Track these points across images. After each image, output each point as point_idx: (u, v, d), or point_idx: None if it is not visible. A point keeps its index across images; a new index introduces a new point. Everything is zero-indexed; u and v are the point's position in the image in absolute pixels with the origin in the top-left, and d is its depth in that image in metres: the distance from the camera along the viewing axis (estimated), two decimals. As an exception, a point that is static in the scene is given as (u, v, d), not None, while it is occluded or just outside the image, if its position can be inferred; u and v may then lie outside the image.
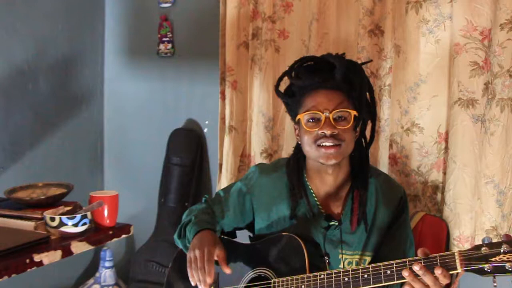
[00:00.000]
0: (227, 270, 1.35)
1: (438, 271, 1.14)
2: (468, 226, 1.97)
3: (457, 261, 1.13)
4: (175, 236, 1.57)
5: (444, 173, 2.05)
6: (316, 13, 2.21)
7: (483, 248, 1.12)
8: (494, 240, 1.13)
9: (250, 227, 1.60)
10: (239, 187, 1.60)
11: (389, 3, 2.07)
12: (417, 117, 2.08)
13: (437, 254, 1.17)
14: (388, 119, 2.11)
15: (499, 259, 1.09)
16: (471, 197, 1.96)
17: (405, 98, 2.10)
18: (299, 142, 1.50)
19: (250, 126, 2.44)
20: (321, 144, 1.39)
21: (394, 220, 1.48)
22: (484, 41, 1.92)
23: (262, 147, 2.39)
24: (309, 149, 1.43)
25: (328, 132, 1.37)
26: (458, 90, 1.96)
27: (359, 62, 1.70)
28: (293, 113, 1.51)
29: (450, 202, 1.99)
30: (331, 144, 1.38)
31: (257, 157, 2.40)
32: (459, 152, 1.97)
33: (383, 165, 2.14)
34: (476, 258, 1.12)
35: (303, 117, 1.43)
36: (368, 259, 1.45)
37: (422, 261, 1.17)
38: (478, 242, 1.94)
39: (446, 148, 2.04)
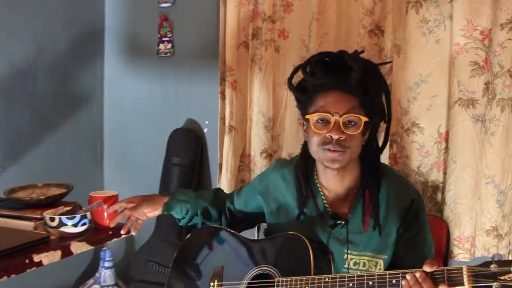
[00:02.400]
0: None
1: None
2: (468, 226, 1.96)
3: (465, 277, 1.10)
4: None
5: (445, 173, 2.05)
6: (316, 13, 2.21)
7: (492, 265, 1.08)
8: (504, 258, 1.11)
9: (260, 217, 1.64)
10: (256, 177, 1.70)
11: (389, 3, 2.07)
12: (417, 117, 2.08)
13: (444, 268, 1.14)
14: (388, 119, 2.10)
15: (508, 278, 1.06)
16: (471, 197, 1.96)
17: (405, 98, 2.10)
18: (306, 140, 1.49)
19: (250, 126, 2.44)
20: (327, 148, 1.38)
21: (408, 226, 1.43)
22: (485, 41, 1.92)
23: (262, 147, 2.39)
24: (315, 150, 1.42)
25: (335, 136, 1.36)
26: (458, 90, 1.96)
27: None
28: (303, 109, 1.48)
29: (450, 202, 1.99)
30: (336, 149, 1.37)
31: (257, 157, 2.40)
32: (459, 152, 1.97)
33: (383, 165, 2.14)
34: (484, 275, 1.08)
35: (312, 117, 1.40)
36: (380, 261, 1.42)
37: (430, 274, 1.15)
38: (478, 242, 1.96)
39: (446, 148, 2.04)
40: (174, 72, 2.84)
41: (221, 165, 2.50)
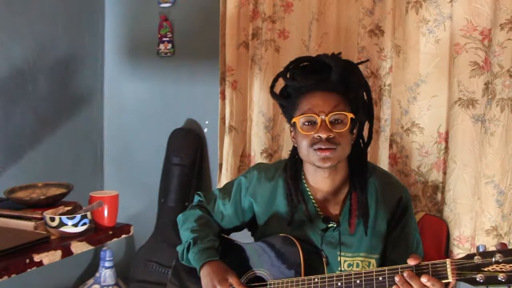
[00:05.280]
0: None
1: (424, 279, 1.12)
2: (468, 226, 1.97)
3: (449, 270, 1.10)
4: (179, 256, 1.56)
5: (444, 173, 2.05)
6: (316, 13, 2.21)
7: (476, 257, 1.07)
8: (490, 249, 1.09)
9: (249, 226, 1.60)
10: (239, 187, 1.58)
11: (389, 3, 2.07)
12: (417, 117, 2.09)
13: (429, 262, 1.15)
14: (388, 119, 2.11)
15: (492, 269, 1.05)
16: (471, 197, 1.96)
17: (405, 98, 2.10)
18: (295, 145, 1.49)
19: (250, 126, 2.44)
20: (317, 148, 1.38)
21: (395, 223, 1.44)
22: (484, 41, 1.92)
23: (262, 147, 2.39)
24: (305, 153, 1.42)
25: (324, 135, 1.36)
26: (458, 90, 1.96)
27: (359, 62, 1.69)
28: (288, 115, 1.49)
29: (450, 202, 2.00)
30: (326, 147, 1.37)
31: (257, 157, 2.40)
32: (459, 152, 1.97)
33: (383, 165, 2.14)
34: (468, 268, 1.08)
35: (298, 120, 1.41)
36: (372, 261, 1.43)
37: (414, 269, 1.15)
38: (478, 242, 1.96)
39: (446, 148, 2.04)
40: (174, 72, 2.84)
41: (221, 165, 2.50)
